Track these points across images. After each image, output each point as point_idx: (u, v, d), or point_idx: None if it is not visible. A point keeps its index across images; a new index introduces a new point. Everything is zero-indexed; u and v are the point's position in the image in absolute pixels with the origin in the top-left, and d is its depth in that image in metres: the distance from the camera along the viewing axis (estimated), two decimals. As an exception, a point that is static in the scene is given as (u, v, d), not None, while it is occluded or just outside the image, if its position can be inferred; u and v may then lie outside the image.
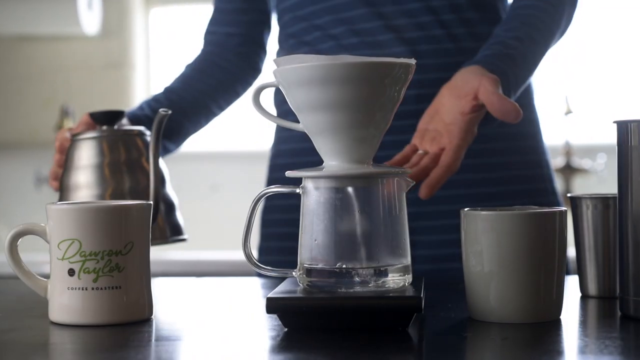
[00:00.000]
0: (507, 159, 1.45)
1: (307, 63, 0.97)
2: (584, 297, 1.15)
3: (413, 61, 1.00)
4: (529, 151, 1.49)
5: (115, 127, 1.34)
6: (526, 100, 1.49)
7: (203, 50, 1.62)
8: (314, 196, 1.00)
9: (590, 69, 3.42)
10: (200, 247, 3.02)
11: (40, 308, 1.10)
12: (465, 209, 1.02)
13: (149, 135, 1.33)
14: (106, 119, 1.34)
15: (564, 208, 1.01)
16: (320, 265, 0.99)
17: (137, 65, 3.63)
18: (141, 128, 1.34)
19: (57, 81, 3.55)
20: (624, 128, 1.01)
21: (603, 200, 1.14)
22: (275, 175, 1.56)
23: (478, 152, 1.42)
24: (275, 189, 1.02)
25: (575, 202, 1.16)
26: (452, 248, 1.41)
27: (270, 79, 1.03)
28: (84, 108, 3.48)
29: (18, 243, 1.05)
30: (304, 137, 1.47)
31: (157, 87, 3.72)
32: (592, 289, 1.15)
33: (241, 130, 3.62)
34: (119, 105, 3.58)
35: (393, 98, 0.99)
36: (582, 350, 0.85)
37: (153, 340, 0.95)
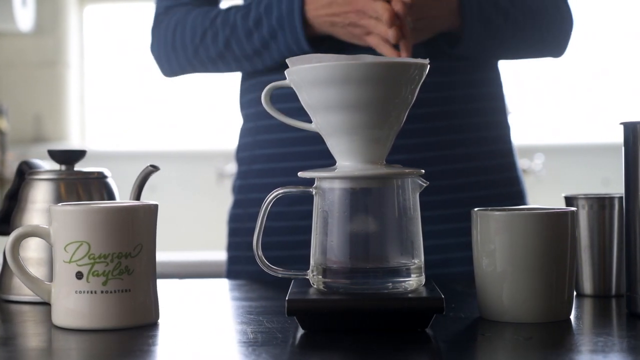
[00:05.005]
0: (484, 163, 1.46)
1: (325, 63, 0.96)
2: (580, 296, 1.17)
3: (427, 61, 1.00)
4: (504, 154, 1.49)
5: (75, 168, 1.23)
6: (500, 104, 1.51)
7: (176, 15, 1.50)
8: (328, 197, 0.99)
9: (530, 69, 3.47)
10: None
11: (41, 312, 1.07)
12: (476, 209, 1.02)
13: (109, 177, 1.24)
14: (65, 158, 1.22)
15: (574, 208, 1.02)
16: (335, 266, 0.98)
17: (71, 63, 3.56)
18: (102, 170, 1.24)
19: (-11, 78, 3.46)
20: (631, 129, 1.02)
21: (598, 201, 1.16)
22: (251, 181, 1.49)
23: (456, 157, 1.43)
24: (286, 189, 1.01)
25: (570, 202, 1.17)
26: (430, 255, 1.41)
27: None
28: (17, 106, 3.44)
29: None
30: (282, 143, 1.45)
31: (91, 85, 3.66)
32: (588, 288, 1.17)
33: (177, 130, 3.58)
34: (52, 104, 3.52)
35: (407, 99, 0.99)
36: (613, 349, 0.86)
37: (160, 344, 0.93)
